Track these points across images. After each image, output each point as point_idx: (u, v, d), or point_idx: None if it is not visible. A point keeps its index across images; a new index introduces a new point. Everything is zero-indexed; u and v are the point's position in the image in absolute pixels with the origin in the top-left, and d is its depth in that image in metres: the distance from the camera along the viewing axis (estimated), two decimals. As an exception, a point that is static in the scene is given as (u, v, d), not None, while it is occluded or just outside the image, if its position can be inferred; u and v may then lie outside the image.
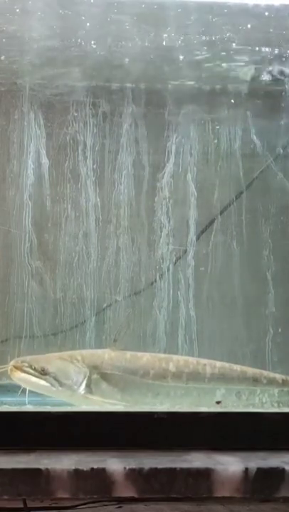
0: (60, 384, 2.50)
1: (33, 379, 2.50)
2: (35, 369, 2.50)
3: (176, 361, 2.66)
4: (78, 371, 2.53)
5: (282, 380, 2.71)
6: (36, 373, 2.50)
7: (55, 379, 2.50)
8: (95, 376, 2.53)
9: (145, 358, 2.64)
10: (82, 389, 2.51)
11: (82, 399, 2.50)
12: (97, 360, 2.58)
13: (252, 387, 2.66)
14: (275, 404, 2.61)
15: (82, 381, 2.51)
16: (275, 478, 1.99)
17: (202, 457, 2.09)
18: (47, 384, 2.50)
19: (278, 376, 2.72)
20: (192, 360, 2.71)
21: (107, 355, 2.61)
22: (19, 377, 2.50)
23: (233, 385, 2.65)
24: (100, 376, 2.54)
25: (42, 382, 2.50)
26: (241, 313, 3.17)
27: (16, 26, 2.89)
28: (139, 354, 2.67)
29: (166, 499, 2.67)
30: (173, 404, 2.54)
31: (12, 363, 2.52)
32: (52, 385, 2.50)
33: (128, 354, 2.64)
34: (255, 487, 1.98)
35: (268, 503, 2.80)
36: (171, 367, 2.62)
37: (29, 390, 2.51)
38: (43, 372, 2.50)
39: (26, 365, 2.51)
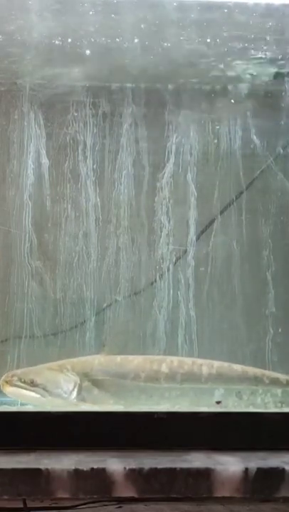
0: (50, 394, 2.53)
1: (23, 391, 2.54)
2: (24, 382, 2.53)
3: (170, 362, 2.66)
4: (68, 380, 2.55)
5: (287, 380, 2.70)
6: (26, 386, 2.53)
7: (45, 389, 2.53)
8: (86, 383, 2.55)
9: (136, 361, 2.65)
10: (73, 397, 2.53)
11: (75, 407, 2.52)
12: (87, 367, 2.60)
13: (253, 386, 2.65)
14: (279, 405, 2.60)
15: (73, 389, 2.54)
16: (275, 478, 1.99)
17: (202, 457, 2.09)
18: (37, 395, 2.52)
19: (282, 376, 2.72)
20: (188, 360, 2.71)
21: (97, 361, 2.64)
22: (10, 391, 2.54)
23: (233, 384, 2.64)
24: (90, 383, 2.55)
25: (32, 393, 2.53)
26: (241, 314, 3.16)
27: (16, 26, 2.89)
28: (130, 357, 2.67)
29: (166, 499, 2.67)
30: (171, 406, 2.54)
31: (3, 377, 2.57)
32: (42, 395, 2.53)
33: (118, 358, 2.65)
34: (255, 487, 1.98)
35: (267, 503, 2.80)
36: (164, 368, 2.62)
37: None
38: (32, 384, 2.54)
39: (16, 378, 2.55)
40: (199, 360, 2.70)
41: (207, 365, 2.66)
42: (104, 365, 2.61)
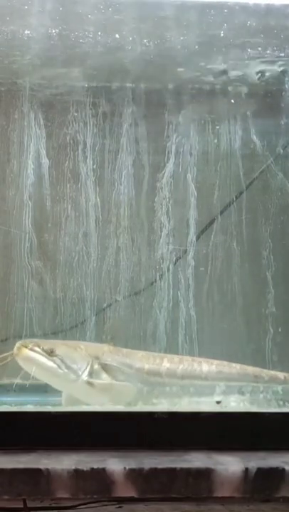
0: (67, 367, 2.50)
1: (42, 359, 2.49)
2: (43, 349, 2.49)
3: (171, 358, 2.70)
4: (83, 358, 2.54)
5: (285, 377, 2.72)
6: (44, 353, 2.49)
7: (62, 361, 2.50)
8: (96, 366, 2.55)
9: (140, 354, 2.69)
10: (85, 375, 2.51)
11: (81, 388, 2.50)
12: (98, 351, 2.61)
13: (253, 384, 2.67)
14: (281, 403, 2.60)
15: (86, 368, 2.52)
16: (275, 478, 1.99)
17: (202, 457, 2.09)
18: (54, 365, 2.49)
19: (280, 374, 2.74)
20: (188, 357, 2.75)
21: (106, 348, 2.66)
22: (27, 355, 2.47)
23: (232, 381, 2.66)
24: (100, 366, 2.56)
25: (50, 362, 2.49)
26: (241, 313, 3.17)
27: (16, 26, 2.89)
28: (135, 351, 2.72)
29: (166, 499, 2.67)
30: (170, 401, 2.55)
31: (20, 342, 2.51)
32: (58, 366, 2.49)
33: (124, 350, 2.69)
34: (255, 487, 1.98)
35: (268, 503, 2.80)
36: (166, 363, 2.64)
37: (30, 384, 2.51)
38: (51, 354, 2.49)
39: (35, 344, 2.49)
40: (199, 358, 2.74)
41: (206, 362, 2.69)
42: (113, 353, 2.62)
